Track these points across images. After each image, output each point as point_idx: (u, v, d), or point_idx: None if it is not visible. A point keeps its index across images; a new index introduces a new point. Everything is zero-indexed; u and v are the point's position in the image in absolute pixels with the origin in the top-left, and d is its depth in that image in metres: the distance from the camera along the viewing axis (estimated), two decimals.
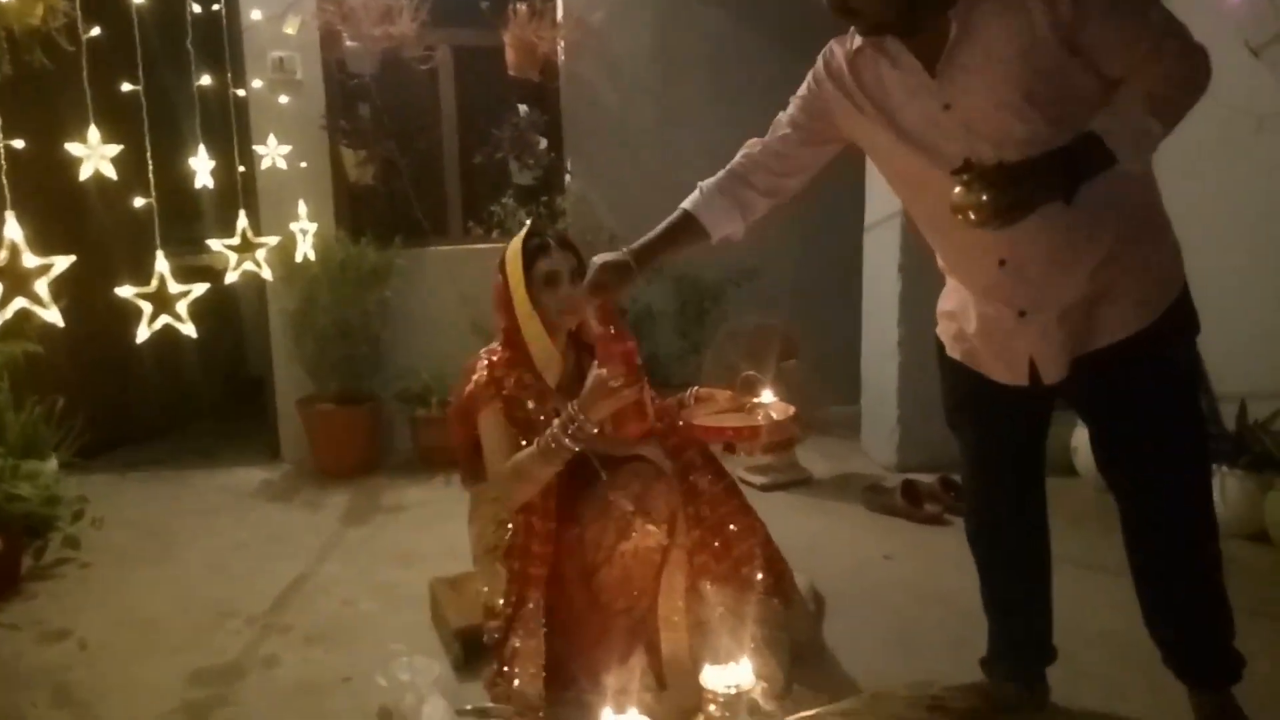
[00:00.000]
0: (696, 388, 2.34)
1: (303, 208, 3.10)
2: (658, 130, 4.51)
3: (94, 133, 1.84)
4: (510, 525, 2.13)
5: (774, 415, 2.14)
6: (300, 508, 3.64)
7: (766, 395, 2.19)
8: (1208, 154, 3.10)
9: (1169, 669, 1.84)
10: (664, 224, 1.92)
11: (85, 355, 4.03)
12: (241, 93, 3.03)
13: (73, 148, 1.83)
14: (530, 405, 2.13)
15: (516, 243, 2.17)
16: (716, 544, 2.17)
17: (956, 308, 1.86)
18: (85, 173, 1.85)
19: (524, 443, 2.07)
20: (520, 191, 4.23)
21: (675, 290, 4.43)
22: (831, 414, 4.28)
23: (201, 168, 2.36)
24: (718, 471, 2.24)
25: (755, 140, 1.94)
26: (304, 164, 3.55)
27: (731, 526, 2.19)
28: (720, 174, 1.93)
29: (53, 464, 3.15)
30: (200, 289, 1.98)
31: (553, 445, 1.99)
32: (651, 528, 2.07)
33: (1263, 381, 3.02)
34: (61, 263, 1.61)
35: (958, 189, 1.45)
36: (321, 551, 3.15)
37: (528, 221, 2.33)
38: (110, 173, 1.87)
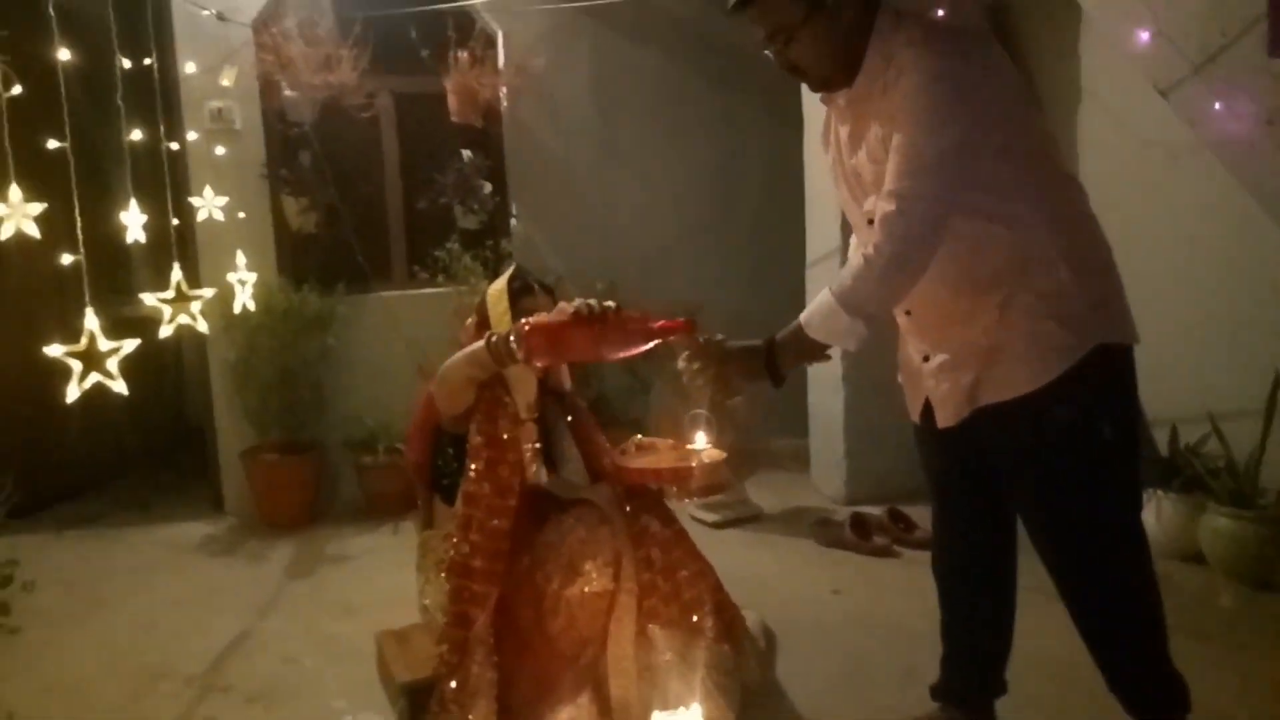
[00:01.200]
0: (639, 437, 2.35)
1: (241, 258, 3.06)
2: (599, 170, 4.57)
3: (15, 191, 1.81)
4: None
5: (705, 460, 2.17)
6: (242, 561, 3.55)
7: (699, 440, 2.21)
8: (1126, 185, 3.23)
9: (1114, 697, 1.86)
10: None
11: (11, 413, 3.94)
12: (176, 146, 2.99)
13: None
14: (501, 423, 2.14)
15: (501, 282, 2.24)
16: (666, 588, 2.15)
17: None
18: (6, 232, 1.81)
19: (486, 452, 2.11)
20: (465, 236, 4.23)
21: None
22: (781, 447, 4.34)
23: (133, 222, 2.32)
24: (667, 517, 2.24)
25: None
26: (242, 214, 3.51)
27: (682, 572, 2.18)
28: None
29: None
30: (131, 345, 1.94)
31: (492, 340, 2.03)
32: (595, 573, 2.06)
33: (1192, 406, 3.11)
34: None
35: (681, 360, 1.70)
36: (263, 606, 3.07)
37: (512, 265, 2.49)
38: (33, 231, 1.83)
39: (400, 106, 4.29)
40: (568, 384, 2.41)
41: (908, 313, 1.79)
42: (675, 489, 2.31)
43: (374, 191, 4.30)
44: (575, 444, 2.39)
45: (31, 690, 2.55)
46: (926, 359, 1.80)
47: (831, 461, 3.93)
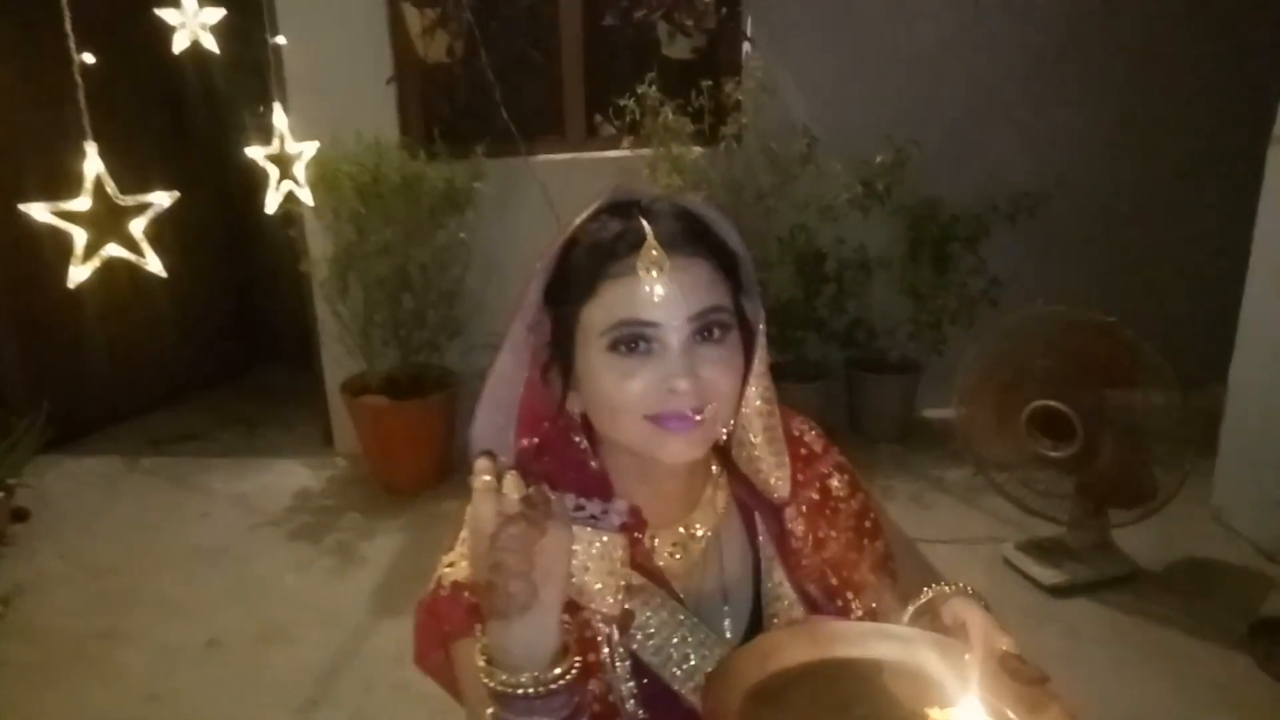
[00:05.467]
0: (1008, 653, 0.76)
1: (279, 113, 1.78)
2: None
3: None
4: None
5: None
6: (330, 557, 2.48)
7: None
8: None
9: None
10: None
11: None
12: None
13: None
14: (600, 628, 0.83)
15: (568, 232, 0.80)
16: None
17: None
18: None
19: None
20: (672, 70, 2.74)
21: (906, 226, 2.88)
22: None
23: None
24: None
25: None
26: (280, 39, 2.21)
27: None
28: None
29: None
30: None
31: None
32: None
33: None
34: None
35: None
36: (332, 666, 1.98)
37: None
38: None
39: None
40: (783, 487, 0.89)
41: None
42: None
43: (538, 1, 2.85)
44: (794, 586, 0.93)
45: None
46: None
47: (1262, 491, 2.28)
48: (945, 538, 2.39)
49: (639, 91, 2.57)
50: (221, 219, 3.51)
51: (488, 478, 0.70)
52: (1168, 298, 2.91)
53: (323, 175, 2.56)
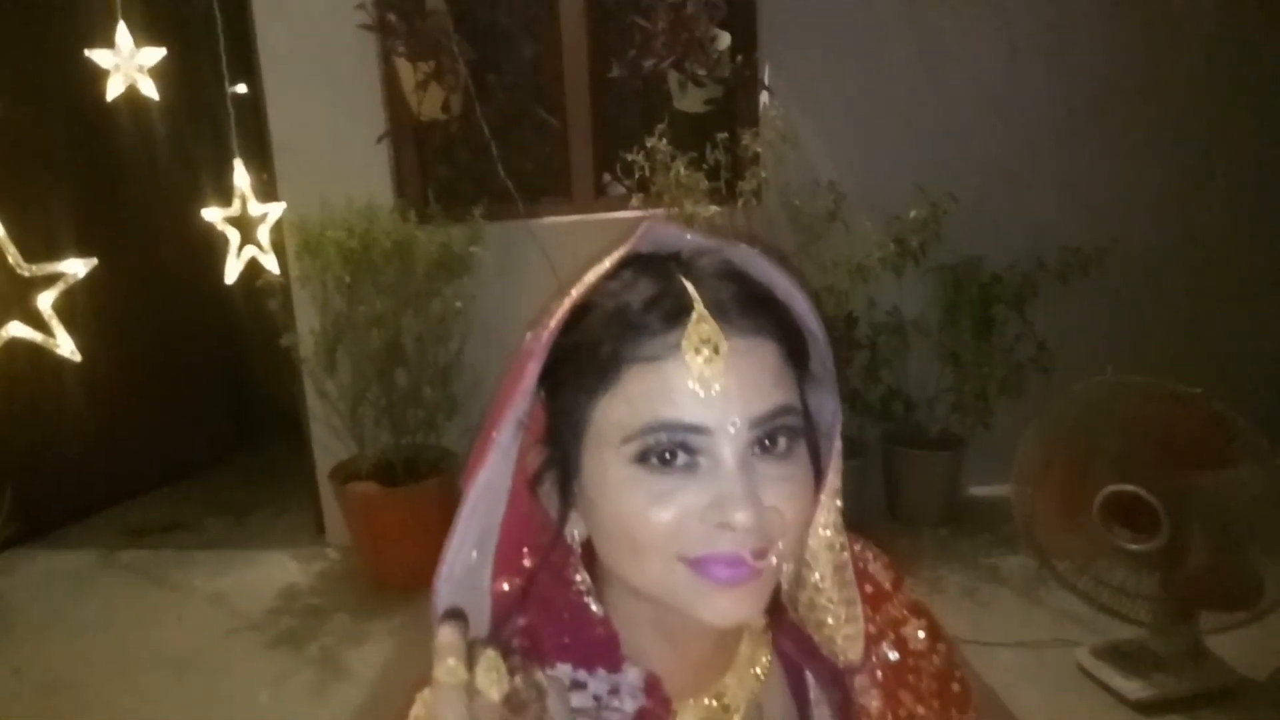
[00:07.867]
0: None
1: (240, 171, 1.58)
2: (913, 13, 2.65)
3: None
4: None
5: None
6: (312, 668, 2.20)
7: None
8: None
9: None
10: None
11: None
12: None
13: None
14: None
15: (579, 294, 0.56)
16: None
17: None
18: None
19: None
20: (683, 125, 2.54)
21: (943, 284, 2.63)
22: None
23: None
24: None
25: None
26: (240, 88, 2.05)
27: None
28: None
29: None
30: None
31: None
32: None
33: None
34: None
35: None
36: None
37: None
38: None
39: None
40: (854, 648, 0.63)
41: None
42: None
43: (541, 53, 2.68)
44: None
45: None
46: None
47: None
48: (1007, 640, 2.08)
49: (648, 145, 2.36)
50: (209, 288, 3.32)
51: (453, 662, 0.47)
52: (1238, 361, 2.63)
53: (307, 241, 2.38)
